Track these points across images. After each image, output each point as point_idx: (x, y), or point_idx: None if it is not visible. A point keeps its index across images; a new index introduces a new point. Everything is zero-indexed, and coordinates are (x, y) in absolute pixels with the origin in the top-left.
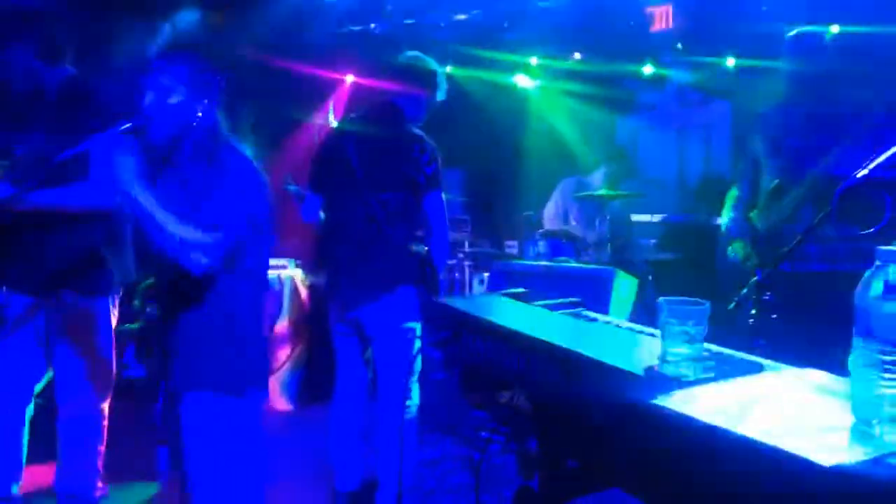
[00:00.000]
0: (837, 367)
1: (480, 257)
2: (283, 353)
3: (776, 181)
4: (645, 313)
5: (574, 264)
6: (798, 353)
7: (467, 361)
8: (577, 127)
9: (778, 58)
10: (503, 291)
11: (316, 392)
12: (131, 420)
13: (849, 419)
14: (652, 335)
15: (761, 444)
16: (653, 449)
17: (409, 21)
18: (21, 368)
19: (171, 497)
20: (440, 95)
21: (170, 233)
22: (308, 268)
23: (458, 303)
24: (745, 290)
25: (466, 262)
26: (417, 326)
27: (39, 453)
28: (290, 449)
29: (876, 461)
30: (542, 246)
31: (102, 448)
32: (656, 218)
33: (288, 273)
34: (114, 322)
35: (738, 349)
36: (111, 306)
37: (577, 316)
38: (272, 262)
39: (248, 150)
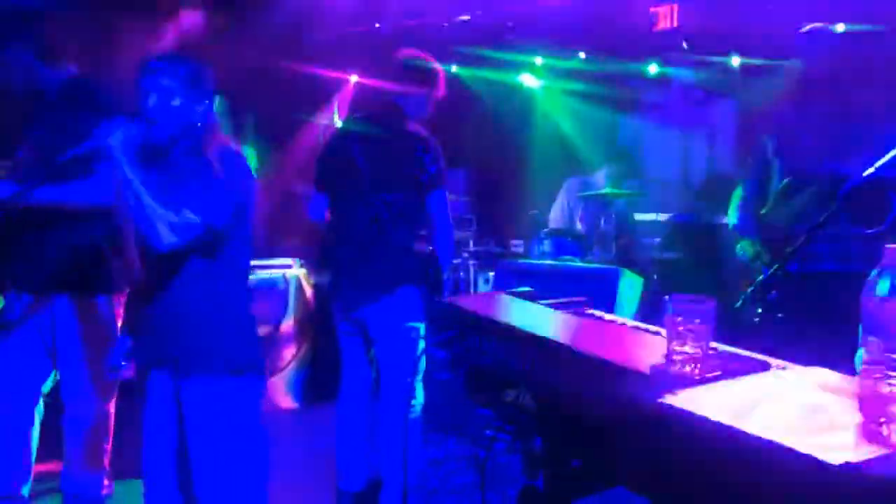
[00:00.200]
0: (845, 365)
1: (485, 256)
2: (289, 352)
3: (786, 180)
4: (650, 312)
5: (579, 263)
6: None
7: (472, 361)
8: (582, 126)
9: (785, 56)
10: (509, 290)
11: (321, 391)
12: (138, 418)
13: (856, 418)
14: (657, 334)
15: (768, 442)
16: (658, 448)
17: (413, 21)
18: (27, 368)
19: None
20: (440, 92)
21: (143, 204)
22: (312, 267)
23: (463, 302)
24: (750, 289)
25: (471, 261)
26: (421, 326)
27: (46, 452)
28: (295, 448)
29: (883, 460)
30: (547, 245)
31: (109, 446)
32: (661, 217)
33: (293, 272)
34: (119, 320)
35: (743, 348)
36: (115, 304)
37: (583, 315)
38: (277, 261)
39: (251, 150)
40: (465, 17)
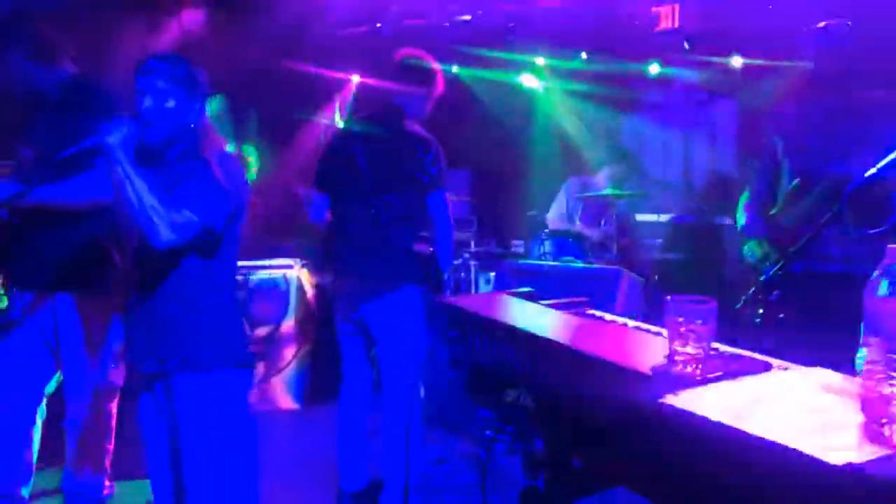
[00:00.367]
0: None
1: (486, 257)
2: (289, 353)
3: (797, 181)
4: (651, 313)
5: (580, 264)
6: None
7: (473, 361)
8: (583, 126)
9: (786, 56)
10: (510, 291)
11: (322, 391)
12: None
13: (858, 418)
14: (658, 334)
15: (769, 443)
16: (660, 448)
17: (414, 21)
18: (30, 368)
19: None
20: (439, 91)
21: (142, 202)
22: (314, 267)
23: (464, 302)
24: (752, 290)
25: (472, 262)
26: (423, 327)
27: (47, 452)
28: (295, 448)
29: (885, 460)
30: (548, 245)
31: (110, 447)
32: (662, 218)
33: (294, 273)
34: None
35: (745, 348)
36: (117, 302)
37: (584, 315)
38: (278, 262)
39: (252, 150)
40: (467, 18)
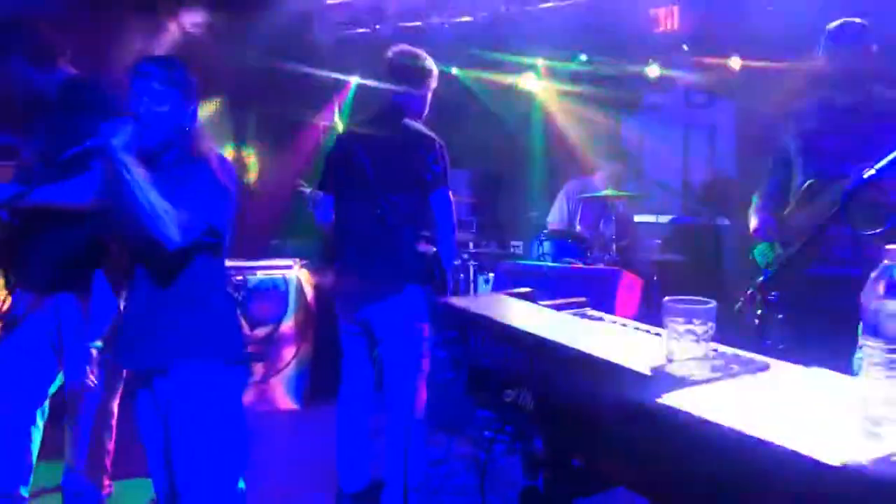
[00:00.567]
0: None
1: (486, 257)
2: (289, 353)
3: (810, 182)
4: (650, 313)
5: (579, 265)
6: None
7: (472, 361)
8: (583, 128)
9: (785, 57)
10: (508, 291)
11: (321, 392)
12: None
13: (856, 418)
14: (658, 335)
15: (768, 443)
16: (659, 448)
17: (413, 23)
18: (33, 368)
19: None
20: (434, 85)
21: (150, 204)
22: (313, 268)
23: (463, 302)
24: (750, 290)
25: (472, 263)
26: (426, 327)
27: (47, 450)
28: (295, 448)
29: (884, 461)
30: (547, 246)
31: (111, 446)
32: (661, 219)
33: (293, 273)
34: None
35: (744, 349)
36: (119, 301)
37: (583, 316)
38: (278, 262)
39: (250, 151)
40: (467, 19)
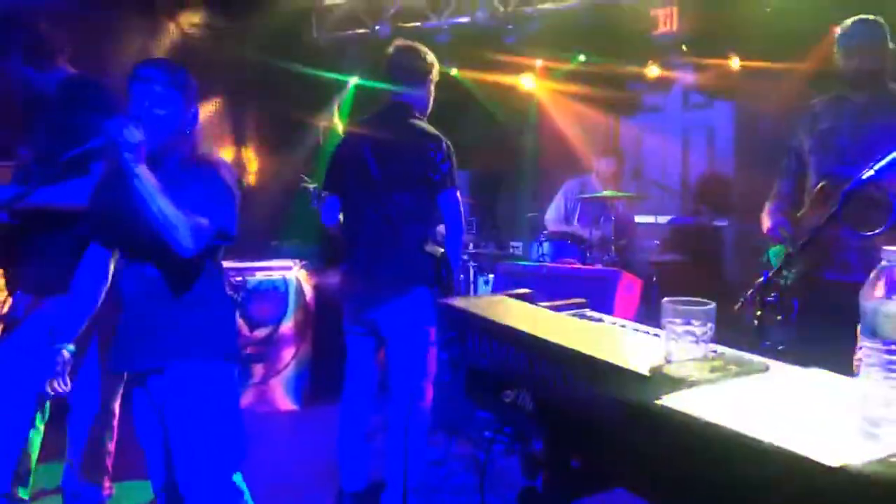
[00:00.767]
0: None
1: (485, 258)
2: (288, 354)
3: (822, 182)
4: (649, 314)
5: (578, 265)
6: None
7: (472, 362)
8: (581, 128)
9: (784, 58)
10: (508, 292)
11: (321, 392)
12: None
13: (855, 419)
14: (657, 336)
15: (767, 444)
16: (658, 449)
17: (412, 24)
18: (33, 371)
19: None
20: (436, 77)
21: (163, 214)
22: (312, 268)
23: (462, 303)
24: (749, 291)
25: (471, 263)
26: (433, 330)
27: (47, 451)
28: (295, 449)
29: (883, 462)
30: (546, 247)
31: (112, 447)
32: (660, 219)
33: (292, 274)
34: None
35: (743, 350)
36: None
37: (582, 316)
38: (277, 262)
39: (248, 152)
40: (465, 19)
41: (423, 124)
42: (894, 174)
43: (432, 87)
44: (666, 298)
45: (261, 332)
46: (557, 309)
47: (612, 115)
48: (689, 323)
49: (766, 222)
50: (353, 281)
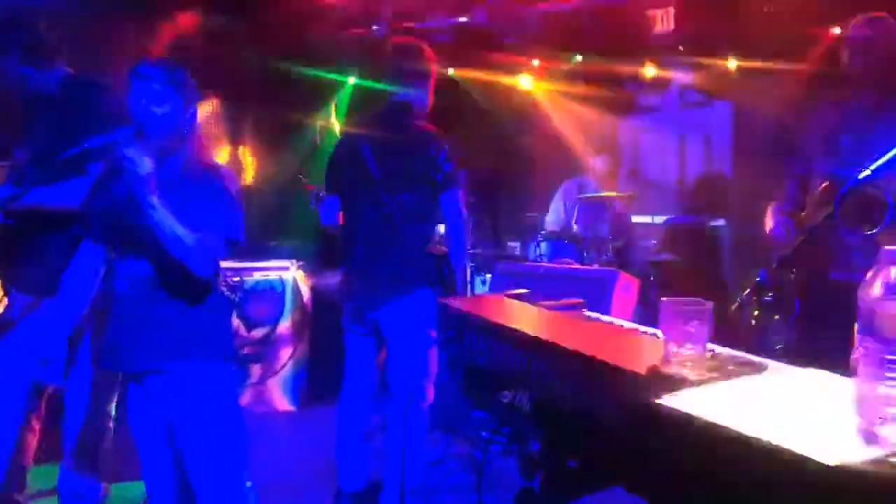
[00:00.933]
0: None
1: (483, 258)
2: (286, 354)
3: (825, 183)
4: (647, 314)
5: (576, 265)
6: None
7: (469, 362)
8: (579, 128)
9: (783, 58)
10: (506, 292)
11: (318, 392)
12: None
13: (853, 419)
14: (654, 335)
15: (764, 443)
16: (655, 449)
17: (410, 24)
18: (27, 372)
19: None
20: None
21: (181, 241)
22: (309, 269)
23: (460, 303)
24: (746, 291)
25: (469, 263)
26: (434, 329)
27: (44, 452)
28: (293, 449)
29: (880, 461)
30: (544, 247)
31: (107, 447)
32: (657, 219)
33: (290, 274)
34: None
35: (741, 350)
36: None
37: (579, 316)
38: (274, 263)
39: (246, 152)
40: (463, 19)
41: (425, 125)
42: (891, 173)
43: (432, 86)
44: (663, 298)
45: (258, 333)
46: (555, 309)
47: (610, 115)
48: (686, 323)
49: (769, 222)
50: (353, 281)
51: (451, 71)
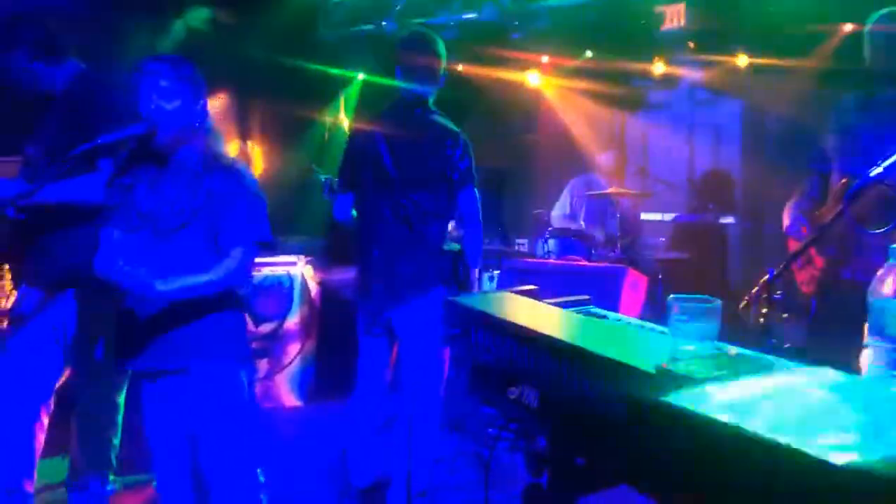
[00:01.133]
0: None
1: (490, 254)
2: (293, 349)
3: (845, 181)
4: (654, 312)
5: (584, 262)
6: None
7: (476, 358)
8: (588, 125)
9: (791, 55)
10: (513, 289)
11: (325, 388)
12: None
13: (862, 418)
14: (662, 333)
15: (772, 442)
16: (662, 446)
17: (419, 20)
18: (39, 365)
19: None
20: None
21: (218, 286)
22: (318, 264)
23: (467, 300)
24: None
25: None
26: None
27: (52, 446)
28: (299, 444)
29: (888, 460)
30: (551, 244)
31: (116, 442)
32: (666, 217)
33: (297, 270)
34: None
35: (749, 348)
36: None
37: (587, 313)
38: (282, 258)
39: (255, 147)
40: (472, 15)
41: (442, 119)
42: None
43: (444, 76)
44: (671, 296)
45: (265, 328)
46: (562, 305)
47: (619, 112)
48: (694, 320)
49: (786, 220)
50: (369, 281)
51: (459, 67)
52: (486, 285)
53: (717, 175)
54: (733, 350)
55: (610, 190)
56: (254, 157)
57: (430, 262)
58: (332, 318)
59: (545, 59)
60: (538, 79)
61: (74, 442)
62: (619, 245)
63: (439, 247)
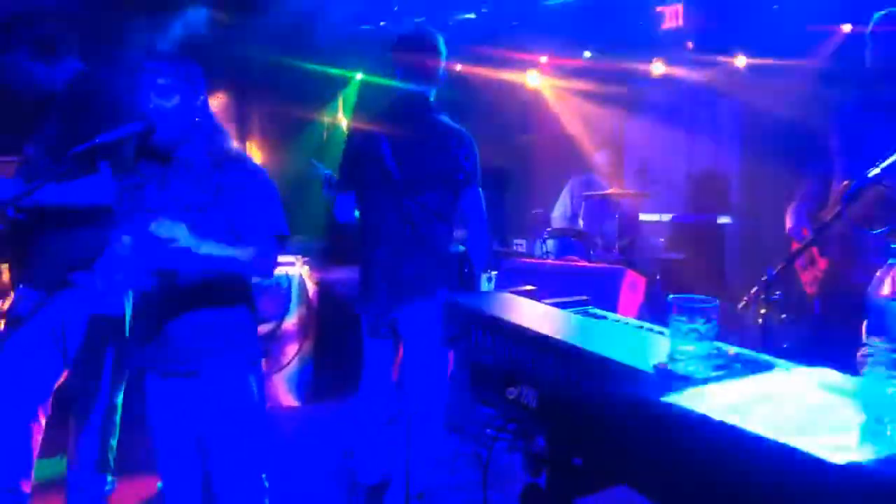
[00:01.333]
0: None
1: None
2: (291, 350)
3: (847, 182)
4: (653, 312)
5: (582, 263)
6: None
7: (475, 359)
8: (586, 125)
9: (790, 55)
10: (511, 289)
11: (323, 388)
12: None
13: (860, 418)
14: (661, 333)
15: (771, 442)
16: (661, 446)
17: (418, 19)
18: (37, 365)
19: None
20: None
21: (237, 264)
22: (315, 264)
23: (466, 300)
24: (754, 289)
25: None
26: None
27: (51, 446)
28: (298, 445)
29: (887, 460)
30: (550, 244)
31: (115, 442)
32: (664, 217)
33: (295, 270)
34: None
35: (747, 348)
36: (125, 298)
37: (586, 314)
38: (280, 258)
39: (253, 147)
40: (471, 15)
41: (446, 119)
42: None
43: (444, 72)
44: (670, 296)
45: (263, 328)
46: (561, 306)
47: (617, 112)
48: (693, 321)
49: (789, 222)
50: (373, 283)
51: (458, 67)
52: (485, 286)
53: (716, 175)
54: (733, 350)
55: (609, 190)
56: (253, 157)
57: (435, 263)
58: (329, 319)
59: (544, 59)
60: (537, 79)
61: (72, 442)
62: (617, 245)
63: (445, 248)
